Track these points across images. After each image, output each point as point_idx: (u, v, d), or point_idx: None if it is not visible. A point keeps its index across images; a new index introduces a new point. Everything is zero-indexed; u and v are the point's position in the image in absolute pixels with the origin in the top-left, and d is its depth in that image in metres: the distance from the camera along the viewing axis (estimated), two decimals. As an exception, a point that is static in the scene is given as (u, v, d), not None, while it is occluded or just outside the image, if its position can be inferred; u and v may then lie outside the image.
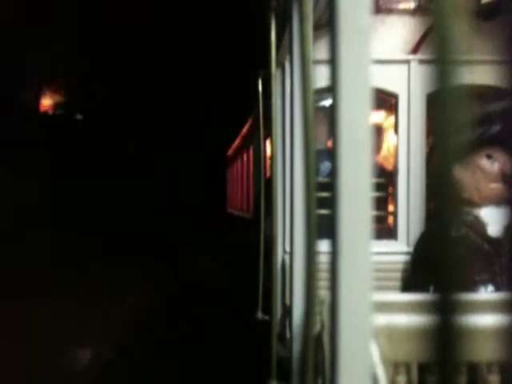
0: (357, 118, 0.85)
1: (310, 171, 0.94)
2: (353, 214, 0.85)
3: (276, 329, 1.98)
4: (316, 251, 0.94)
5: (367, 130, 0.85)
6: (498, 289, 1.96)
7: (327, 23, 0.90)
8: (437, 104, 0.40)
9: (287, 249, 2.31)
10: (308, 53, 0.93)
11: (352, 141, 0.85)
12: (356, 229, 0.85)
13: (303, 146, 0.95)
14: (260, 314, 2.59)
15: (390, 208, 2.58)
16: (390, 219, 2.55)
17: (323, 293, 1.09)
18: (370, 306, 0.86)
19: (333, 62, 0.86)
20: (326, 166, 2.44)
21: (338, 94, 0.85)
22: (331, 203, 0.86)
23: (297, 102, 1.40)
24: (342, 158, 0.85)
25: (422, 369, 1.34)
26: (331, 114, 0.87)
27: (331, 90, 0.87)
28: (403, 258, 2.31)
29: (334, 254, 0.86)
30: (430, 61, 0.41)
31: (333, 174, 0.87)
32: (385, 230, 2.50)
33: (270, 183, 2.46)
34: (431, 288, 2.08)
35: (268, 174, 3.15)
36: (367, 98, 0.86)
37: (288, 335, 2.11)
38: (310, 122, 0.93)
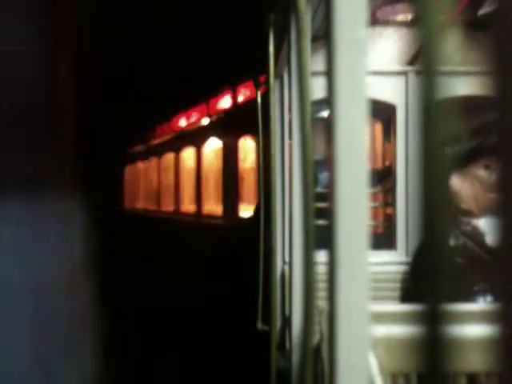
0: (353, 129, 0.86)
1: (308, 181, 0.95)
2: (350, 224, 0.85)
3: (276, 339, 1.98)
4: (314, 262, 0.94)
5: (363, 141, 0.86)
6: (497, 299, 1.96)
7: (324, 36, 0.91)
8: (425, 117, 0.41)
9: (287, 259, 2.31)
10: (306, 65, 0.95)
11: (348, 151, 0.86)
12: (354, 239, 0.85)
13: (302, 156, 0.95)
14: (260, 325, 2.58)
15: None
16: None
17: (322, 303, 1.10)
18: (369, 317, 0.86)
19: (329, 74, 0.87)
20: (324, 176, 2.45)
21: (335, 106, 0.86)
22: (329, 213, 0.87)
23: (295, 113, 1.41)
24: (339, 169, 0.86)
25: (421, 380, 1.33)
26: (328, 125, 0.88)
27: (328, 101, 0.88)
28: (402, 269, 2.31)
29: (332, 264, 0.86)
30: (420, 73, 0.42)
31: (330, 184, 0.87)
32: (383, 239, 2.51)
33: (268, 194, 2.47)
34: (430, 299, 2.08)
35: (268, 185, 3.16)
36: (363, 110, 0.87)
37: (288, 346, 2.11)
38: (307, 133, 0.94)
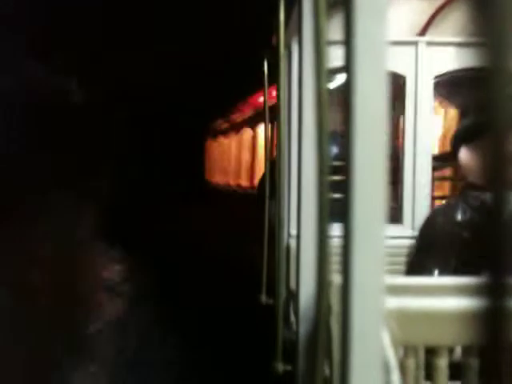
0: (372, 99, 0.84)
1: (323, 154, 0.93)
2: (367, 197, 0.84)
3: (281, 312, 1.99)
4: (328, 235, 0.93)
5: (382, 112, 0.84)
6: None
7: (341, 2, 0.88)
8: (486, 85, 0.39)
9: (292, 232, 2.30)
10: (322, 32, 0.91)
11: (367, 123, 0.84)
12: (370, 212, 0.84)
13: (316, 128, 0.93)
14: (264, 298, 2.59)
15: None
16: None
17: (331, 276, 1.09)
18: (383, 290, 0.85)
19: (347, 42, 0.85)
20: (331, 149, 2.42)
21: (353, 76, 0.84)
22: (344, 186, 0.85)
23: (308, 83, 1.38)
24: (357, 141, 0.84)
25: (428, 352, 1.34)
26: (345, 96, 0.85)
27: (345, 71, 0.85)
28: (408, 243, 2.31)
29: (347, 237, 0.85)
30: (478, 42, 0.40)
31: (346, 156, 0.85)
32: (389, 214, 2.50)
33: (274, 165, 2.45)
34: (436, 272, 2.08)
35: (273, 156, 3.13)
36: (382, 80, 0.84)
37: (292, 318, 2.12)
38: (323, 104, 0.92)
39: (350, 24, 0.84)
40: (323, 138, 0.92)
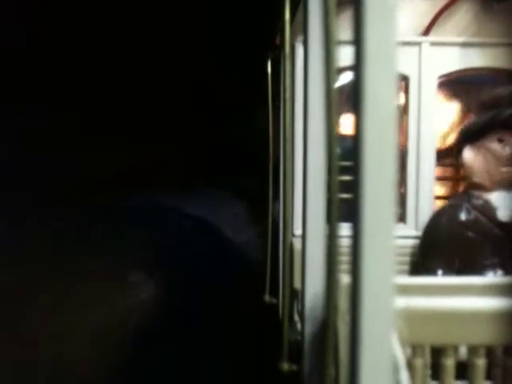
0: (381, 99, 0.84)
1: (332, 153, 0.93)
2: (377, 197, 0.83)
3: (287, 311, 1.99)
4: (338, 234, 0.93)
5: (392, 112, 0.84)
6: (507, 273, 1.96)
7: (349, 1, 0.88)
8: None
9: (295, 232, 2.30)
10: (332, 32, 0.91)
11: (376, 122, 0.84)
12: (380, 211, 0.84)
13: (325, 127, 0.93)
14: (267, 297, 2.59)
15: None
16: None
17: (339, 276, 1.09)
18: (393, 290, 0.85)
19: (357, 42, 0.84)
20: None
21: (362, 75, 0.84)
22: (350, 186, 0.85)
23: (314, 82, 1.38)
24: (366, 141, 0.84)
25: (434, 351, 1.34)
26: (354, 96, 0.85)
27: (354, 70, 0.85)
28: (412, 242, 2.31)
29: (357, 237, 0.85)
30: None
31: (355, 156, 0.85)
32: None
33: (278, 165, 2.45)
34: (440, 272, 2.08)
35: (276, 156, 3.13)
36: (393, 79, 0.84)
37: (296, 318, 2.12)
38: (332, 104, 0.92)
39: (359, 24, 0.83)
40: (332, 137, 0.92)
